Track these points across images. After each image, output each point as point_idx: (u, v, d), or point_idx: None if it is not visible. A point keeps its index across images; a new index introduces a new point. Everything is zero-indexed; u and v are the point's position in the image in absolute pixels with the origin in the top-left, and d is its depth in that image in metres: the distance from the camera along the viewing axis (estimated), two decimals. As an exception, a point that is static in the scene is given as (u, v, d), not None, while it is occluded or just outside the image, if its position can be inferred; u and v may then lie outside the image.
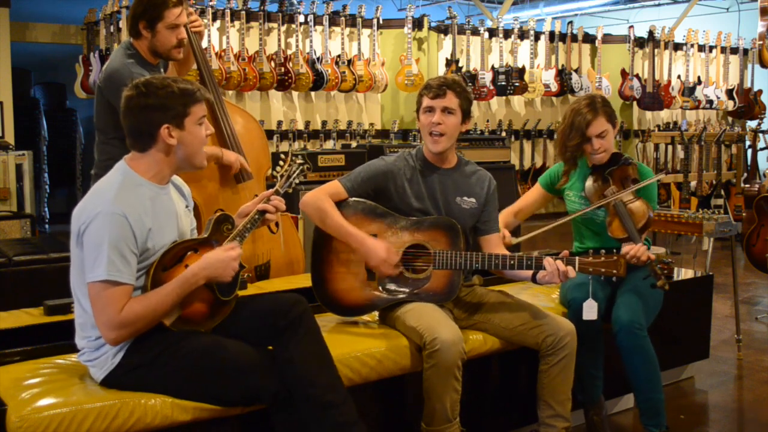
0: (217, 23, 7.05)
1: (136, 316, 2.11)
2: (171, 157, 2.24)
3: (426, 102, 2.82)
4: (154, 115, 2.18)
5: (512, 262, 2.73)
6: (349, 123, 7.69)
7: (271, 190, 2.45)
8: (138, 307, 2.12)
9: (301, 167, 2.49)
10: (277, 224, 2.46)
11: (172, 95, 2.19)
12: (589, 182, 3.16)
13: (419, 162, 2.89)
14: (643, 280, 2.95)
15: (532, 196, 3.41)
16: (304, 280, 3.26)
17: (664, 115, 9.81)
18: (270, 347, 2.31)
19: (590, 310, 2.89)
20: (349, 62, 7.57)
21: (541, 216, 4.74)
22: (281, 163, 2.53)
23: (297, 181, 2.51)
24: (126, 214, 2.11)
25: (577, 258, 2.68)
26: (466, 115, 2.85)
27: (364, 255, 2.75)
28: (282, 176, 2.50)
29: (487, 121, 8.56)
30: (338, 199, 2.82)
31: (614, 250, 2.73)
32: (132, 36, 3.19)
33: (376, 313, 2.91)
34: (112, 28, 7.20)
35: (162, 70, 3.33)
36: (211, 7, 6.88)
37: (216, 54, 6.90)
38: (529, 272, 2.75)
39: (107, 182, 2.22)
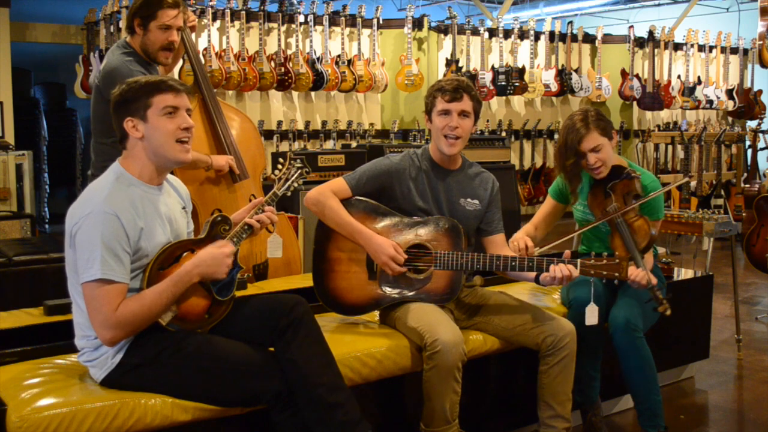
0: (217, 23, 7.05)
1: (132, 315, 2.11)
2: (147, 152, 2.23)
3: (441, 105, 2.79)
4: (119, 110, 2.21)
5: (514, 263, 2.72)
6: (349, 123, 7.69)
7: (262, 198, 2.46)
8: (133, 306, 2.12)
9: (300, 170, 2.50)
10: (273, 224, 2.46)
11: (134, 88, 2.20)
12: (592, 194, 3.10)
13: (425, 162, 2.88)
14: (645, 303, 2.92)
15: (545, 209, 3.33)
16: (304, 280, 3.26)
17: (664, 115, 9.82)
18: (270, 348, 2.31)
19: (592, 315, 2.87)
20: (349, 62, 7.57)
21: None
22: (279, 166, 2.53)
23: (296, 184, 2.51)
24: (118, 213, 2.11)
25: (578, 261, 2.67)
26: (478, 117, 2.86)
27: (371, 252, 2.75)
28: (280, 179, 2.50)
29: (487, 121, 8.56)
30: (342, 197, 2.81)
31: (615, 253, 2.71)
32: (128, 32, 3.19)
33: (376, 313, 2.91)
34: (112, 28, 7.20)
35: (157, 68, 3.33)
36: (211, 7, 6.88)
37: (216, 54, 6.90)
38: (533, 275, 2.75)
39: (100, 183, 2.22)
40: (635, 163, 3.20)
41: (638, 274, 2.81)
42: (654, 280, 2.83)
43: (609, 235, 3.02)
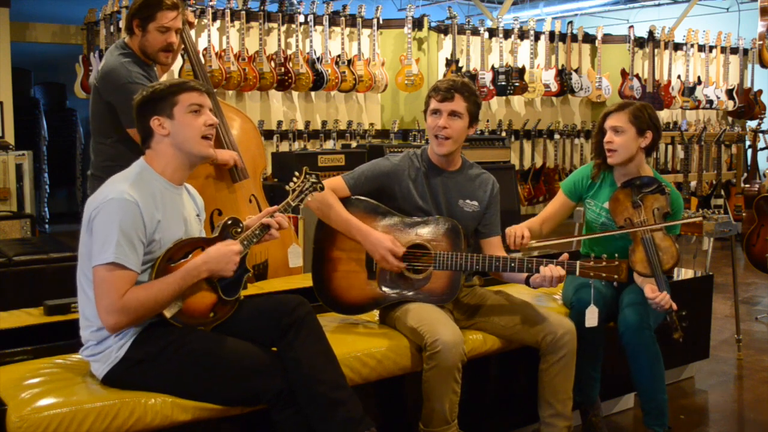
0: (217, 23, 7.05)
1: (137, 302, 2.13)
2: (173, 149, 2.29)
3: (433, 104, 2.80)
4: (145, 110, 2.28)
5: (513, 264, 2.72)
6: (349, 123, 7.69)
7: (276, 207, 2.48)
8: (140, 293, 2.14)
9: (314, 185, 2.55)
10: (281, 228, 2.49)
11: (160, 88, 2.29)
12: (615, 198, 3.01)
13: (424, 163, 2.88)
14: (661, 323, 2.90)
15: (555, 205, 3.27)
16: (304, 280, 3.26)
17: (664, 115, 9.81)
18: (273, 347, 2.32)
19: (591, 317, 2.86)
20: (349, 62, 7.57)
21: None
22: (295, 179, 2.57)
23: (309, 198, 2.55)
24: (138, 201, 2.17)
25: (577, 263, 2.67)
26: (474, 118, 2.83)
27: (368, 248, 2.75)
28: (294, 190, 2.54)
29: (487, 121, 8.56)
30: (340, 196, 2.82)
31: (615, 255, 2.70)
32: (127, 33, 3.20)
33: (376, 313, 2.91)
34: (112, 28, 7.20)
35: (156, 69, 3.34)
36: (211, 7, 6.88)
37: (216, 54, 6.90)
38: (525, 276, 2.75)
39: (123, 174, 2.29)
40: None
41: (663, 297, 2.81)
42: (675, 306, 2.83)
43: (629, 246, 2.94)
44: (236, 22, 7.05)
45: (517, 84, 8.37)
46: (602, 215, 3.13)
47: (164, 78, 3.48)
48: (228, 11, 7.00)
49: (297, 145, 7.41)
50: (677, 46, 9.59)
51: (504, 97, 8.82)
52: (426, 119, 2.86)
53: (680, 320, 2.85)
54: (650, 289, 2.85)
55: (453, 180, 2.89)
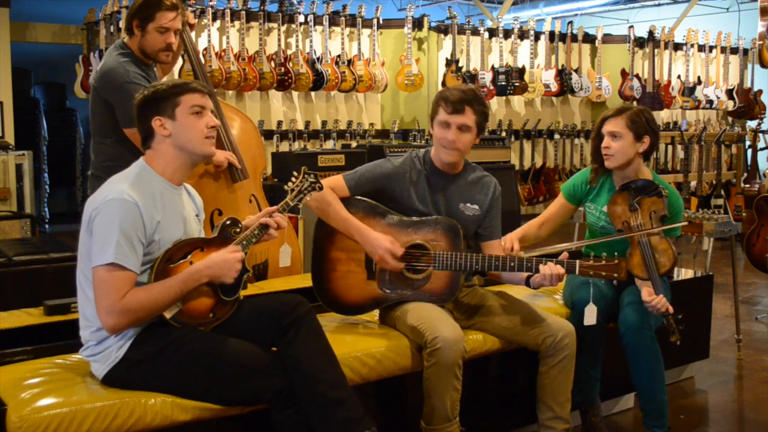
0: (217, 23, 7.05)
1: (138, 304, 2.14)
2: (174, 149, 2.29)
3: (442, 116, 2.75)
4: (147, 110, 2.28)
5: (512, 264, 2.72)
6: (349, 123, 7.69)
7: (275, 207, 2.48)
8: (141, 295, 2.15)
9: (312, 185, 2.56)
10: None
11: (162, 89, 2.30)
12: (613, 201, 3.02)
13: (426, 166, 2.86)
14: (658, 328, 2.91)
15: (555, 207, 3.27)
16: (304, 280, 3.26)
17: (664, 115, 9.81)
18: (273, 347, 2.32)
19: (590, 315, 2.86)
20: (349, 62, 7.57)
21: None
22: (293, 179, 2.57)
23: (308, 197, 2.55)
24: (138, 202, 2.17)
25: (577, 261, 2.66)
26: (481, 130, 2.80)
27: (367, 248, 2.75)
28: (293, 190, 2.55)
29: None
30: (340, 196, 2.82)
31: (615, 254, 2.70)
32: (127, 33, 3.20)
33: (376, 313, 2.91)
34: (112, 28, 7.20)
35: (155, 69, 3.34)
36: (211, 7, 6.88)
37: (216, 54, 6.90)
38: (524, 277, 2.75)
39: (123, 174, 2.29)
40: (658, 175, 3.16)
41: (659, 300, 2.81)
42: (671, 309, 2.83)
43: (627, 251, 2.94)
44: (236, 22, 7.05)
45: (517, 84, 8.37)
46: (602, 219, 3.13)
47: (164, 79, 3.48)
48: (228, 11, 7.00)
49: (297, 145, 7.41)
50: (677, 46, 9.59)
51: (504, 97, 8.82)
52: (433, 127, 2.81)
53: (677, 323, 2.85)
54: (647, 292, 2.85)
55: (454, 184, 2.87)
